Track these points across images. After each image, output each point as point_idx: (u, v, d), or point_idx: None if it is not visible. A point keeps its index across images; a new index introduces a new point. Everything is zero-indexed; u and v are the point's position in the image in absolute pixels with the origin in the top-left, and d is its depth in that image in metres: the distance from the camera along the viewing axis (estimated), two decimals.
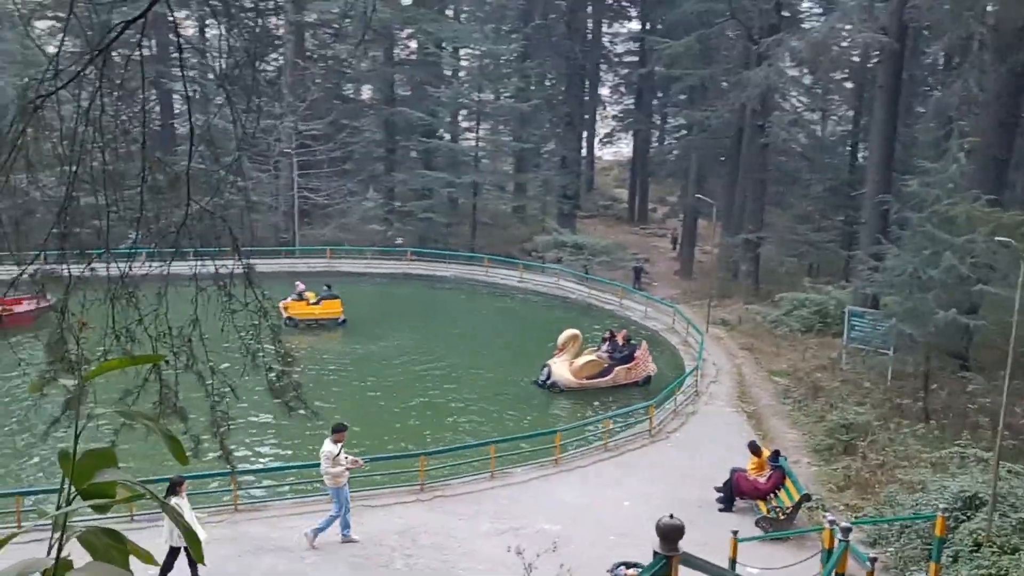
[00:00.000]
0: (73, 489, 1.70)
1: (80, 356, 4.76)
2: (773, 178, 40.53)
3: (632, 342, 24.75)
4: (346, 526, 14.43)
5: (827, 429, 19.89)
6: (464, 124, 46.76)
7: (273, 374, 5.49)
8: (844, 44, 32.22)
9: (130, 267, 4.95)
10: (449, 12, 49.60)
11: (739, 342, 28.70)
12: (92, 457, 1.73)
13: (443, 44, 45.41)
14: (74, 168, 4.50)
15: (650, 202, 57.31)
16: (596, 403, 22.73)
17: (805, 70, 39.26)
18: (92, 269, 4.91)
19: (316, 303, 28.82)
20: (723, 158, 43.19)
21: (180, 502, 12.58)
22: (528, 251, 39.37)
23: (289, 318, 28.03)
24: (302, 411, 5.62)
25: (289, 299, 28.65)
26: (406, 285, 36.20)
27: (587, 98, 55.63)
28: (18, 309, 28.04)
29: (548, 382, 23.44)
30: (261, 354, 5.37)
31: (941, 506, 13.48)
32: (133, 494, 1.77)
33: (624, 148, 64.63)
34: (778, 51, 31.55)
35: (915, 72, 37.98)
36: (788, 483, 15.80)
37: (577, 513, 15.99)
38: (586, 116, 56.43)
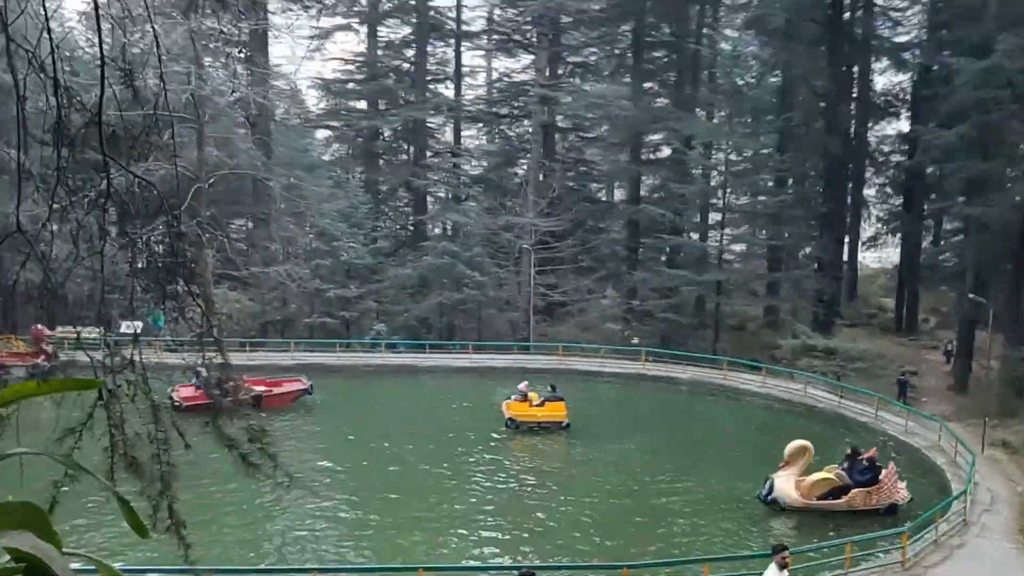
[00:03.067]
0: None
1: None
2: None
3: (878, 464, 21.20)
4: None
5: None
6: (712, 221, 45.09)
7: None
8: None
9: None
10: (700, 112, 48.81)
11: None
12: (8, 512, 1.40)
13: (692, 143, 44.40)
14: None
15: (921, 312, 52.06)
16: (829, 530, 19.51)
17: None
18: None
19: (539, 405, 27.45)
20: (1006, 261, 38.32)
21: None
22: (777, 358, 36.54)
23: (510, 419, 26.96)
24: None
25: (512, 399, 27.64)
26: (639, 387, 34.53)
27: (849, 199, 52.07)
28: (277, 391, 29.45)
29: (769, 497, 20.72)
30: None
31: None
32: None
33: (891, 254, 59.93)
34: None
35: None
36: None
37: None
38: (848, 219, 52.76)
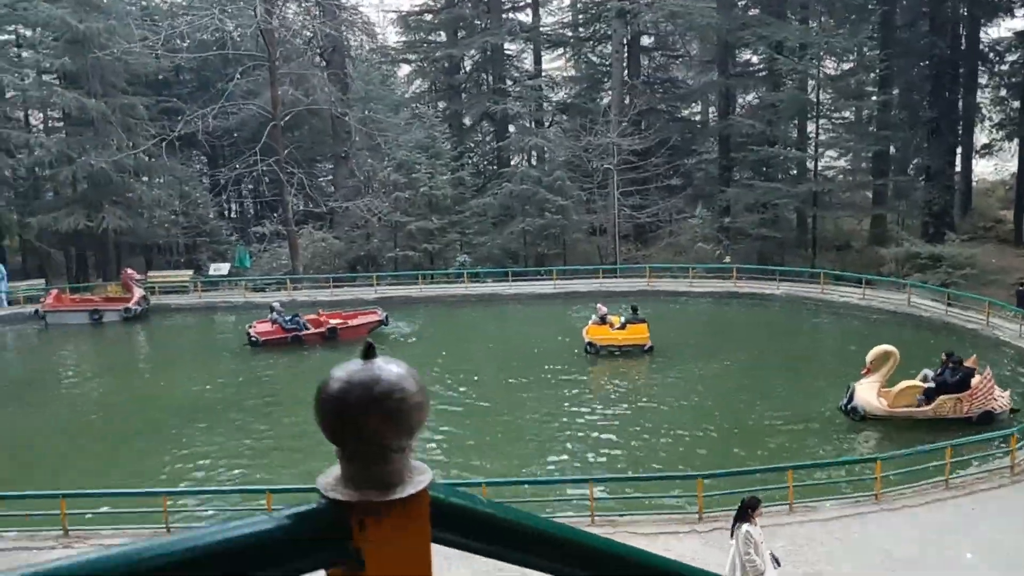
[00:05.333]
0: None
1: None
2: None
3: (972, 368, 19.16)
4: None
5: None
6: (809, 133, 42.57)
7: None
8: None
9: None
10: (793, 17, 45.93)
11: None
12: None
13: (783, 51, 41.83)
14: None
15: None
16: (919, 440, 17.84)
17: None
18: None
19: (620, 328, 26.12)
20: None
21: (752, 531, 10.36)
22: (884, 274, 34.29)
23: (590, 343, 25.84)
24: None
25: (590, 323, 26.50)
26: (731, 305, 33.03)
27: (960, 105, 48.44)
28: (352, 323, 29.32)
29: (849, 406, 19.25)
30: None
31: None
32: None
33: (1011, 165, 55.75)
34: None
35: None
36: None
37: (896, 564, 12.34)
38: (959, 127, 49.16)
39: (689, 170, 45.60)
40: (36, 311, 34.00)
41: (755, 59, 46.42)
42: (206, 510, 15.52)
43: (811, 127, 41.60)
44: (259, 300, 34.57)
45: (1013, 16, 50.81)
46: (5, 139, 39.62)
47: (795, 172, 40.37)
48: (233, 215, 53.66)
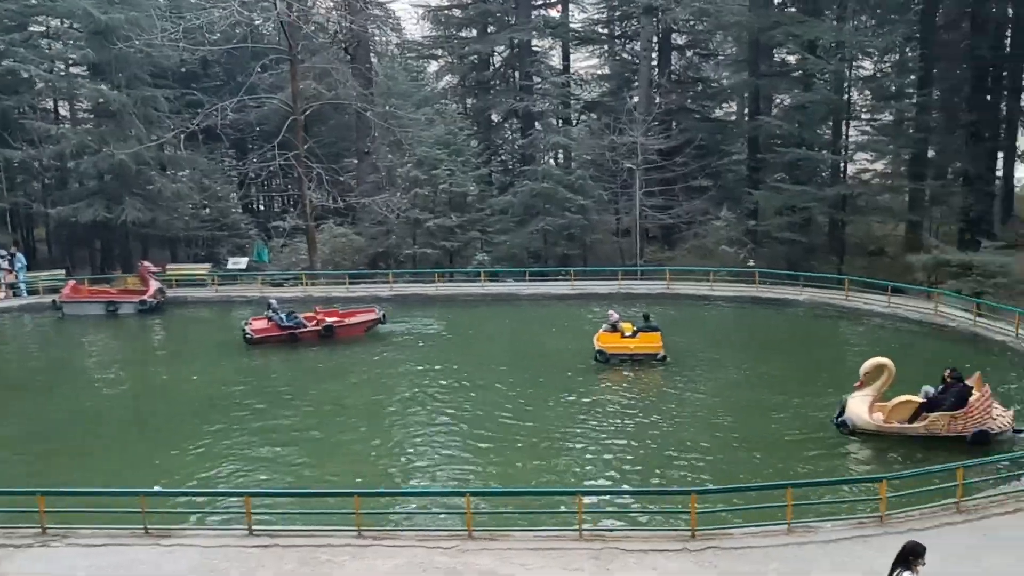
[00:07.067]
0: None
1: None
2: None
3: (969, 386, 18.07)
4: None
5: None
6: (844, 136, 41.40)
7: None
8: None
9: None
10: (829, 15, 44.74)
11: None
12: None
13: (817, 50, 40.70)
14: None
15: None
16: (916, 459, 16.81)
17: None
18: None
19: (632, 336, 25.03)
20: None
21: None
22: (918, 281, 33.20)
23: (599, 351, 24.85)
24: None
25: (601, 330, 25.50)
26: (752, 311, 32.12)
27: (1003, 110, 46.90)
28: (349, 321, 28.93)
29: (839, 420, 18.46)
30: None
31: None
32: None
33: None
34: None
35: None
36: None
37: None
38: (1002, 130, 47.63)
39: (717, 171, 44.66)
40: (53, 301, 34.11)
41: (791, 59, 45.31)
42: (186, 510, 15.16)
43: (846, 129, 40.56)
44: (275, 295, 34.38)
45: None
46: (29, 130, 39.84)
47: (826, 175, 39.30)
48: (261, 208, 53.72)
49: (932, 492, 14.41)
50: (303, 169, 37.10)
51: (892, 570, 9.26)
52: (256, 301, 34.57)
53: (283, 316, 28.25)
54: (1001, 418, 17.65)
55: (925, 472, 14.88)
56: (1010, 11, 44.13)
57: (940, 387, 18.20)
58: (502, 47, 48.35)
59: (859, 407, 18.24)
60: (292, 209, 44.81)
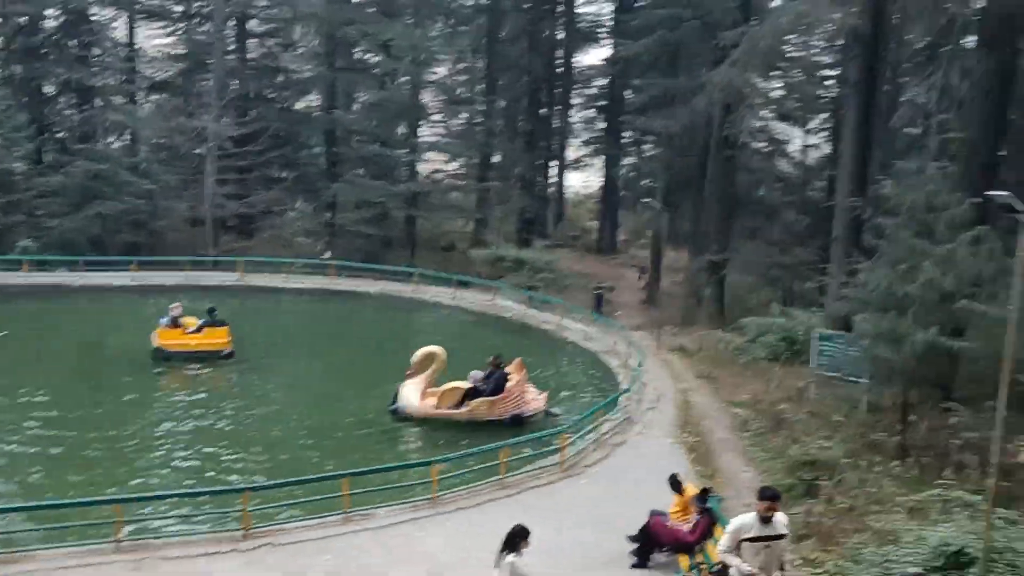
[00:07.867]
0: None
1: None
2: (747, 207, 36.48)
3: (504, 368, 19.78)
4: None
5: (787, 466, 16.05)
6: (416, 134, 43.16)
7: None
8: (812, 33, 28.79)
9: None
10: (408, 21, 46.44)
11: (697, 370, 24.93)
12: None
13: (390, 49, 41.94)
14: None
15: (623, 233, 53.56)
16: (463, 441, 17.80)
17: (773, 78, 35.63)
18: None
19: (195, 331, 23.68)
20: (690, 179, 39.65)
21: (518, 563, 9.09)
22: (484, 276, 35.68)
23: (158, 349, 23.19)
24: None
25: (161, 325, 23.71)
26: (326, 303, 32.34)
27: (556, 123, 52.03)
28: None
29: (392, 406, 19.50)
30: None
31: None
32: None
33: (597, 179, 61.17)
34: (742, 48, 27.97)
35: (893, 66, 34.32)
36: (719, 531, 11.91)
37: (442, 569, 12.10)
38: (554, 142, 52.83)
39: (296, 162, 44.27)
40: None
41: (371, 58, 46.18)
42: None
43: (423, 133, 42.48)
44: None
45: (598, 42, 55.82)
46: None
47: (404, 171, 40.75)
48: None
49: (478, 472, 15.39)
50: None
51: (500, 554, 9.43)
52: None
53: None
54: (535, 401, 19.56)
55: (470, 454, 15.85)
56: (561, 34, 49.29)
57: (487, 372, 19.62)
58: (55, 9, 43.36)
59: (411, 394, 19.16)
60: None
